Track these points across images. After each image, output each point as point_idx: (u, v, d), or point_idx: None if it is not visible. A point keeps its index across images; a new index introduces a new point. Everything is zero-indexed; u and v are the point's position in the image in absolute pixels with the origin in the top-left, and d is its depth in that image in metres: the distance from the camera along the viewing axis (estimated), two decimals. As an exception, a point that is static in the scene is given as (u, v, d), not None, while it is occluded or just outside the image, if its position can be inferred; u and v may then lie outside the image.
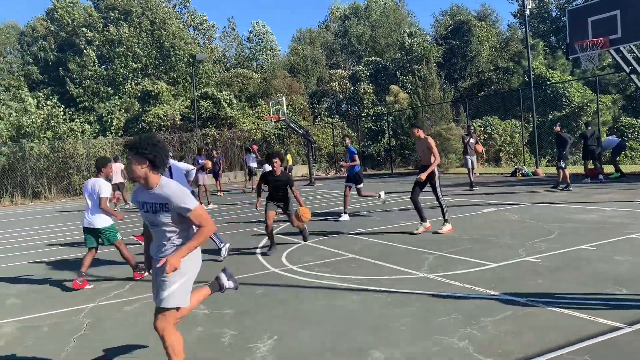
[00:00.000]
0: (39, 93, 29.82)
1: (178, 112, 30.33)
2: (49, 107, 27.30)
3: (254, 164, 20.84)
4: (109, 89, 33.06)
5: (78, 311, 5.72)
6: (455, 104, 30.00)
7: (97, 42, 35.37)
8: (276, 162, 7.88)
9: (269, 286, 6.16)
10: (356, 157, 11.17)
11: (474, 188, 14.80)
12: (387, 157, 30.46)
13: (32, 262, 8.87)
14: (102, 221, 6.87)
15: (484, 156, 19.58)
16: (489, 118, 28.75)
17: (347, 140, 11.79)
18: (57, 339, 4.88)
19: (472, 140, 15.31)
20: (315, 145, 28.62)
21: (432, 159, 8.69)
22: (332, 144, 32.92)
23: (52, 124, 27.09)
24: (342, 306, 5.20)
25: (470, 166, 15.23)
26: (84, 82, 33.34)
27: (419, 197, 8.98)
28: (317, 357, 4.02)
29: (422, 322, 4.56)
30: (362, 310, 5.02)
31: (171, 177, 7.83)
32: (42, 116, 27.11)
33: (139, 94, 31.43)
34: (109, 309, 5.76)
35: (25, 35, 39.73)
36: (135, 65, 34.13)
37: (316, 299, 5.52)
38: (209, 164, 13.83)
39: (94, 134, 29.31)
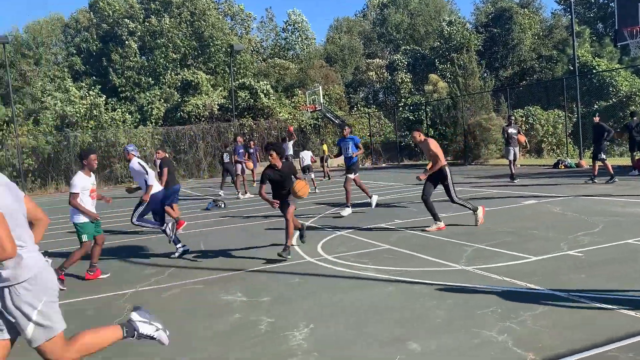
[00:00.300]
0: (82, 83, 30.65)
1: (216, 102, 30.69)
2: (92, 97, 28.05)
3: (290, 152, 20.86)
4: (150, 79, 33.71)
5: (120, 296, 5.89)
6: (496, 93, 29.36)
7: (138, 33, 36.08)
8: (272, 155, 6.98)
9: (305, 275, 6.19)
10: (360, 146, 10.95)
11: (515, 180, 14.47)
12: (425, 148, 30.09)
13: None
14: (76, 216, 6.55)
15: (527, 147, 19.07)
16: (530, 108, 28.02)
17: (347, 129, 11.34)
18: (100, 323, 5.02)
19: (513, 131, 14.94)
20: (351, 135, 28.52)
21: (436, 161, 8.34)
22: (368, 134, 32.74)
23: (95, 113, 27.84)
24: (378, 297, 5.18)
25: (511, 157, 14.87)
26: (125, 72, 34.09)
27: (431, 197, 8.62)
28: (353, 346, 4.02)
29: (459, 314, 4.50)
30: (399, 301, 4.99)
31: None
32: (85, 106, 27.89)
33: (179, 84, 31.94)
34: (149, 294, 5.90)
35: (69, 27, 40.86)
36: (174, 56, 34.69)
37: (352, 288, 5.52)
38: (251, 165, 14.07)
39: (135, 124, 29.97)
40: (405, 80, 39.03)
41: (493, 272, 5.72)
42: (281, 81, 36.86)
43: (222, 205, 13.16)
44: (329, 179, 20.54)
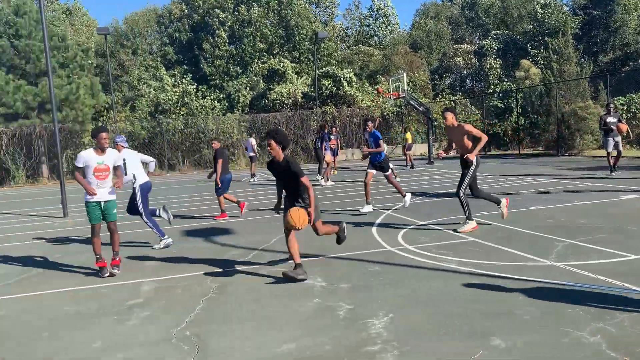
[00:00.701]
0: (174, 72, 32.15)
1: (300, 90, 31.09)
2: (183, 85, 29.34)
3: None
4: (238, 67, 34.73)
5: (207, 276, 6.14)
6: (594, 79, 27.47)
7: (228, 23, 37.20)
8: (271, 145, 5.72)
9: (385, 264, 6.15)
10: (382, 142, 10.02)
11: (615, 172, 13.50)
12: (515, 137, 28.80)
13: (164, 228, 9.67)
14: (85, 195, 6.45)
15: (630, 136, 17.65)
16: (633, 95, 25.96)
17: (370, 124, 10.30)
18: (188, 300, 5.28)
19: (613, 120, 13.90)
20: (435, 123, 27.87)
21: (475, 142, 7.62)
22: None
23: (186, 100, 29.12)
24: (460, 289, 5.04)
25: (610, 148, 13.84)
26: (215, 61, 35.30)
27: (481, 189, 8.15)
28: (433, 338, 3.94)
29: (548, 312, 4.28)
30: (482, 295, 4.83)
31: (125, 168, 7.59)
32: (177, 94, 29.24)
33: (265, 73, 32.65)
34: (235, 275, 6.11)
35: (162, 18, 42.85)
36: (262, 45, 35.47)
37: (433, 279, 5.41)
38: (334, 143, 14.27)
39: (223, 111, 31.04)
40: (495, 66, 37.46)
41: (586, 269, 5.38)
42: (365, 68, 36.61)
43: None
44: (412, 167, 20.21)
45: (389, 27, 48.36)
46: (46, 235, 9.85)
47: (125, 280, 6.20)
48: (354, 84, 31.88)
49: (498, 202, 7.99)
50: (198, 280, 5.97)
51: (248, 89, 31.64)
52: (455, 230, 7.74)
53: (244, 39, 35.61)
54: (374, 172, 10.03)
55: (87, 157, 6.36)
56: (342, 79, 31.05)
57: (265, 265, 6.46)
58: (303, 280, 5.59)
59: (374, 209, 10.03)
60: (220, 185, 10.06)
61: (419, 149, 29.34)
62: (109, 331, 4.56)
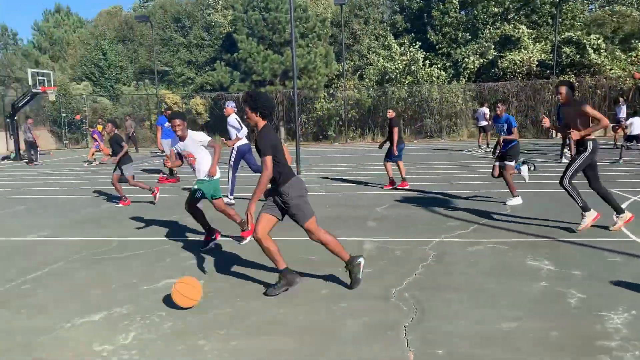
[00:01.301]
0: (402, 40, 32.37)
1: (535, 58, 28.69)
2: (411, 54, 29.45)
3: (622, 115, 17.97)
4: (467, 34, 33.50)
5: (425, 242, 6.19)
6: None
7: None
8: (246, 112, 4.54)
9: (629, 255, 5.42)
10: (515, 130, 8.44)
11: None
12: None
13: (380, 192, 9.98)
14: None
15: None
16: None
17: (501, 106, 8.68)
18: (406, 263, 5.40)
19: None
20: None
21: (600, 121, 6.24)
22: None
23: (413, 69, 29.21)
24: None
25: None
26: (443, 28, 34.58)
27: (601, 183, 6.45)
28: (689, 348, 3.36)
29: None
30: None
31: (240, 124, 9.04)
32: (404, 62, 29.48)
33: (497, 39, 30.88)
34: (453, 246, 6.04)
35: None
36: (496, 10, 33.51)
37: (692, 281, 4.59)
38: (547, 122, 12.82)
39: (448, 79, 30.39)
40: None
41: None
42: (619, 30, 31.95)
43: (532, 168, 12.40)
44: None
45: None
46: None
47: (351, 237, 6.59)
48: (602, 51, 28.20)
49: (618, 210, 6.48)
50: (416, 246, 6.05)
51: (477, 55, 30.34)
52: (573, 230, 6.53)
53: (477, 4, 34.07)
54: (499, 164, 8.70)
55: (176, 143, 6.42)
56: (587, 45, 27.71)
57: (486, 240, 6.23)
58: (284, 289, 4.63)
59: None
60: (396, 153, 10.22)
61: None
62: (336, 281, 4.92)
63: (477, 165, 14.30)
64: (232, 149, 9.16)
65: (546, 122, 6.82)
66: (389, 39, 31.35)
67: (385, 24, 35.21)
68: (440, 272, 5.10)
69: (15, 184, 13.72)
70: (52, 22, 42.84)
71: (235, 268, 5.47)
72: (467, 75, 29.84)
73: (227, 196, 9.00)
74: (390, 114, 10.51)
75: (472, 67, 29.73)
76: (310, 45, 28.68)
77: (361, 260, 4.73)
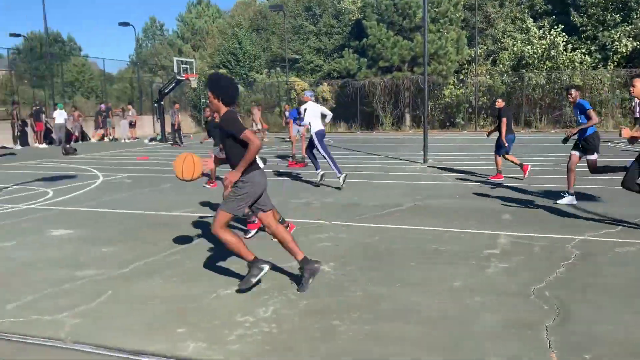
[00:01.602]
0: (542, 23, 30.23)
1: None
2: (551, 37, 27.44)
3: None
4: (617, 15, 30.43)
5: (567, 240, 5.78)
6: None
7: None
8: (208, 97, 4.43)
9: None
10: (592, 114, 7.32)
11: None
12: None
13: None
14: None
15: None
16: None
17: (574, 92, 7.58)
18: (547, 260, 5.09)
19: None
20: None
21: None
22: None
23: (553, 54, 27.22)
24: None
25: None
26: (589, 9, 31.71)
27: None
28: None
29: None
30: None
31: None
32: (543, 46, 27.56)
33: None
34: (599, 245, 5.57)
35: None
36: (652, -14, 29.99)
37: None
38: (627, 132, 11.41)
39: (593, 65, 27.91)
40: None
41: None
42: None
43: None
44: None
45: None
46: (411, 178, 10.92)
47: (483, 229, 6.36)
48: None
49: None
50: (557, 243, 5.67)
51: (630, 38, 27.42)
52: None
53: (630, -19, 30.71)
54: (578, 154, 7.73)
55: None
56: None
57: (636, 241, 5.67)
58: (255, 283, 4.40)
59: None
60: (506, 145, 9.86)
61: None
62: (468, 274, 4.79)
63: (623, 160, 13.00)
64: (312, 137, 9.69)
65: (626, 133, 5.77)
66: (527, 22, 29.43)
67: (522, 5, 33.08)
68: (586, 272, 4.74)
69: (162, 163, 15.05)
70: (194, 14, 46.09)
71: (366, 253, 5.54)
72: (616, 60, 27.12)
73: (337, 178, 9.52)
74: (499, 103, 10.16)
75: (625, 51, 26.90)
76: (441, 30, 27.85)
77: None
